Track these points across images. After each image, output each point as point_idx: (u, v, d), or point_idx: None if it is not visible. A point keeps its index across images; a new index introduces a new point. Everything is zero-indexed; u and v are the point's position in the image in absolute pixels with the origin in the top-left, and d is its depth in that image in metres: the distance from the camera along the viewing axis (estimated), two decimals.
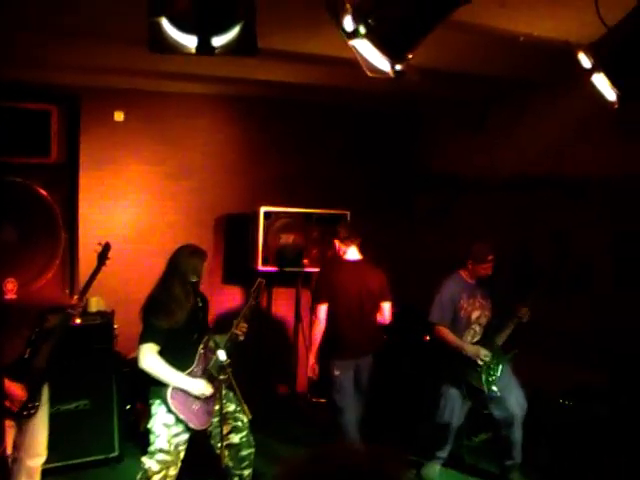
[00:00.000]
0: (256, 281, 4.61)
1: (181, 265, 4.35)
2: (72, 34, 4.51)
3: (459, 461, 5.60)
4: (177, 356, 4.29)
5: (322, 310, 5.39)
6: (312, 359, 5.45)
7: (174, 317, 4.26)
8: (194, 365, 4.33)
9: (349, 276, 5.44)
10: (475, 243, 5.38)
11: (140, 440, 5.39)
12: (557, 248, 5.86)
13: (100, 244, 4.59)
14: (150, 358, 4.21)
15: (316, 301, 5.46)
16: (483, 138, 6.81)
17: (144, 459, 4.28)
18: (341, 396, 5.44)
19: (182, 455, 4.34)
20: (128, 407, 5.86)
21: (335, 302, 5.38)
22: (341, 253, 5.52)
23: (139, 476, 4.28)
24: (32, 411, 4.12)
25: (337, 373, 5.40)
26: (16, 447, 4.16)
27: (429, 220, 7.58)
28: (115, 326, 5.64)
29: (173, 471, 4.31)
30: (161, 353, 4.24)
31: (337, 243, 5.55)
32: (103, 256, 4.55)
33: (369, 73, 3.30)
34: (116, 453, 5.53)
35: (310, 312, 6.30)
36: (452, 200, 7.26)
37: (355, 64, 3.32)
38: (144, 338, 4.24)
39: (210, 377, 4.32)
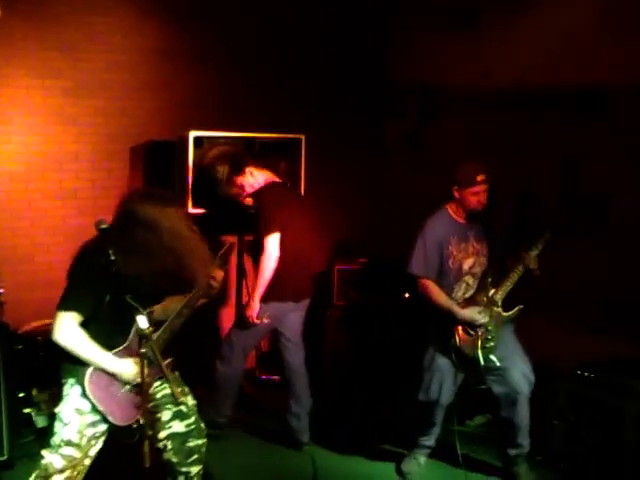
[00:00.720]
0: (225, 244, 4.45)
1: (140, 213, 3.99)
2: None
3: (450, 451, 5.43)
4: (105, 328, 4.06)
5: (276, 241, 5.55)
6: (258, 299, 5.58)
7: (113, 282, 3.92)
8: (127, 342, 4.12)
9: (294, 202, 5.84)
10: (459, 164, 5.21)
11: (37, 439, 5.31)
12: (565, 180, 5.94)
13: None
14: (69, 330, 3.97)
15: (267, 231, 5.55)
16: (473, 37, 6.68)
17: (45, 452, 4.04)
18: (251, 341, 5.90)
19: (94, 452, 4.12)
20: (21, 395, 5.68)
21: (284, 233, 5.60)
22: (259, 183, 5.75)
23: (34, 475, 4.06)
24: None
25: (267, 321, 5.63)
26: None
27: (403, 146, 7.53)
28: (1, 290, 5.43)
29: (79, 471, 4.09)
30: (85, 323, 4.01)
31: (253, 171, 5.74)
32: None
33: None
34: (5, 457, 5.27)
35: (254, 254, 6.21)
36: (433, 120, 7.20)
37: None
38: (64, 303, 3.99)
39: (148, 360, 4.00)
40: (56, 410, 4.12)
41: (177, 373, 4.27)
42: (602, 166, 5.67)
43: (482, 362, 5.02)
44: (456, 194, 5.13)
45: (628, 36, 5.40)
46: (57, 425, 4.07)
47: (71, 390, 4.08)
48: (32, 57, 6.41)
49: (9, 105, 6.39)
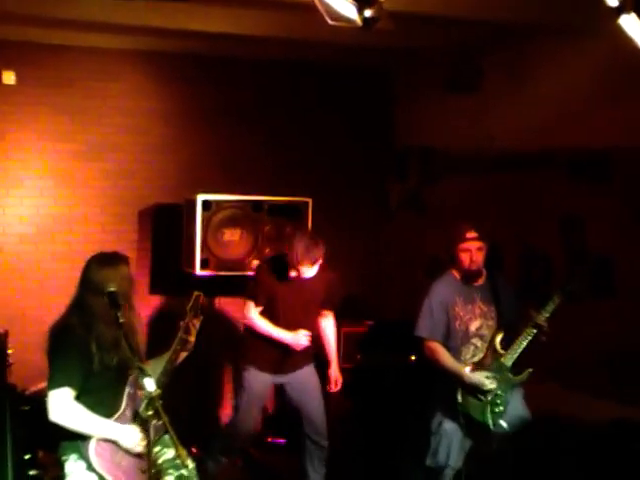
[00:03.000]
0: (192, 296, 4.45)
1: (94, 278, 4.11)
2: None
3: None
4: (100, 398, 4.06)
5: None
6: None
7: (95, 350, 4.02)
8: (122, 408, 4.11)
9: None
10: (453, 224, 5.27)
11: None
12: (570, 243, 5.87)
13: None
14: (65, 408, 3.94)
15: None
16: (473, 101, 6.74)
17: None
18: None
19: None
20: (28, 457, 5.58)
21: None
22: None
23: None
24: None
25: None
26: None
27: (406, 207, 7.54)
28: (9, 351, 5.40)
29: None
30: (78, 396, 3.99)
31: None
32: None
33: (330, 21, 3.36)
34: None
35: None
36: (435, 181, 7.18)
37: (313, 10, 3.35)
38: (55, 382, 3.98)
39: (144, 423, 4.00)
40: None
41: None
42: (606, 228, 5.63)
43: (492, 427, 4.98)
44: (453, 254, 5.15)
45: (627, 99, 5.42)
46: None
47: (75, 467, 4.04)
48: (44, 121, 6.54)
49: (21, 168, 6.50)
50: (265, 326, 5.56)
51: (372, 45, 6.30)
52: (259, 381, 5.65)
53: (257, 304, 5.57)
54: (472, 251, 5.07)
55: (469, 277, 5.18)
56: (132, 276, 4.31)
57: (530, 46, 6.07)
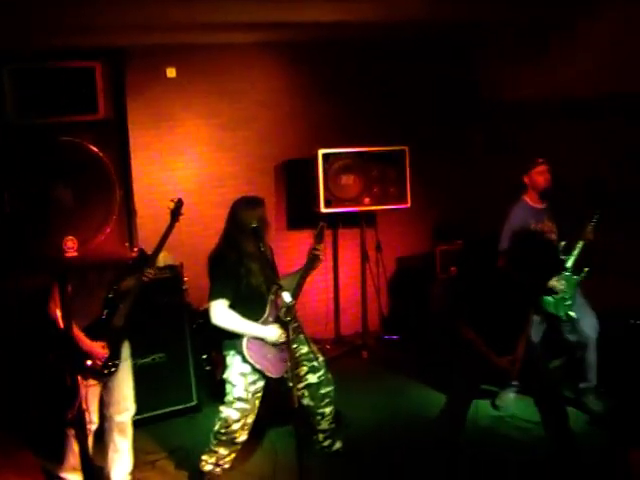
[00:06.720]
0: (318, 225, 4.50)
1: (240, 217, 4.21)
2: None
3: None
4: (249, 306, 4.22)
5: None
6: None
7: (243, 270, 4.18)
8: (266, 313, 4.26)
9: None
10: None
11: (217, 389, 5.34)
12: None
13: (173, 200, 4.34)
14: (222, 313, 4.16)
15: None
16: (543, 62, 6.45)
17: (222, 408, 4.24)
18: None
19: (258, 403, 4.30)
20: (204, 357, 5.82)
21: None
22: None
23: (218, 425, 4.24)
24: (113, 369, 4.06)
25: None
26: (105, 405, 4.16)
27: (487, 151, 7.34)
28: (185, 279, 5.52)
29: (250, 419, 4.28)
30: (232, 306, 4.18)
31: None
32: (176, 212, 4.31)
33: None
34: (194, 402, 5.50)
35: None
36: (512, 129, 6.97)
37: None
38: (213, 294, 4.18)
39: (282, 323, 4.15)
40: (224, 376, 4.30)
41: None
42: None
43: (563, 317, 5.02)
44: (526, 180, 5.15)
45: None
46: (228, 387, 4.26)
47: (233, 359, 4.25)
48: (198, 103, 6.64)
49: (183, 140, 6.63)
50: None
51: (458, 21, 6.20)
52: None
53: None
54: (545, 172, 5.11)
55: (544, 194, 5.16)
56: (267, 216, 4.28)
57: (583, 12, 5.82)
